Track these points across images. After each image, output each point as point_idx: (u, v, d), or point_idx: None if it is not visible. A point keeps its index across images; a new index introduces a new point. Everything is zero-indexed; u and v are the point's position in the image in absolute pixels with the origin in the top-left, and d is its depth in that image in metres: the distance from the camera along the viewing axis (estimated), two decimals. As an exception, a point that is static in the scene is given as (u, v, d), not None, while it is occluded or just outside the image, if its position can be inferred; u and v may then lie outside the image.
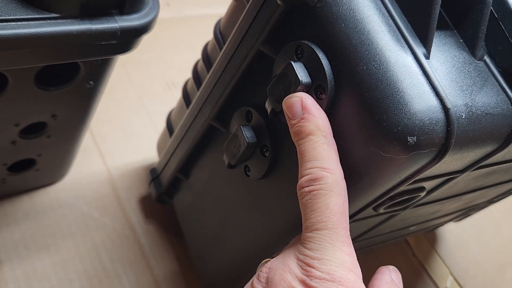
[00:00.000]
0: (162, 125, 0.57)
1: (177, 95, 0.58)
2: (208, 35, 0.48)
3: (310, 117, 0.30)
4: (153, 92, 0.71)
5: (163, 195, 0.54)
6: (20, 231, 0.53)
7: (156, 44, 0.75)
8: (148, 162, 0.62)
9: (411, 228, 0.52)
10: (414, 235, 0.65)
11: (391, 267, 0.35)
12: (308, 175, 0.30)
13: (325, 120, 0.30)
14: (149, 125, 0.67)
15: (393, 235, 0.52)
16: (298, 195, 0.30)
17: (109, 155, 0.62)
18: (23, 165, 0.50)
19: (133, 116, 0.67)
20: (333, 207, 0.29)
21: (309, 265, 0.29)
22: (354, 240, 0.46)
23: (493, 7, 0.33)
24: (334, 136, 0.31)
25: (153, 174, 0.55)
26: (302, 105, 0.30)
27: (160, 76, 0.73)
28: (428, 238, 0.67)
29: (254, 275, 0.33)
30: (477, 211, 0.60)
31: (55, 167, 0.54)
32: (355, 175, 0.31)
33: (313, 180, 0.29)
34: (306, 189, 0.30)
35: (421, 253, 0.65)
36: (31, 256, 0.52)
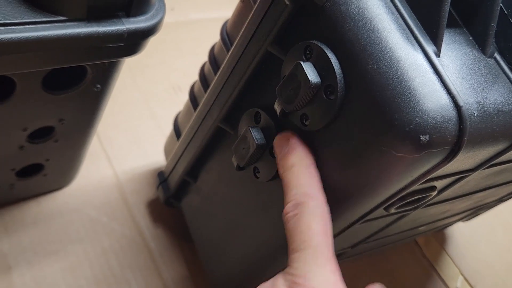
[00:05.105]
0: (168, 129, 0.57)
1: (183, 98, 0.58)
2: (212, 39, 0.47)
3: (294, 151, 0.33)
4: (159, 96, 0.71)
5: (171, 198, 0.54)
6: (29, 236, 0.53)
7: (161, 48, 0.75)
8: (155, 166, 0.62)
9: (420, 228, 0.52)
10: (423, 236, 0.65)
11: (377, 285, 0.36)
12: (292, 201, 0.31)
13: (308, 153, 0.33)
14: (155, 129, 0.67)
15: (403, 235, 0.52)
16: (283, 221, 0.32)
17: (116, 159, 0.62)
18: (31, 170, 0.50)
19: (139, 120, 0.67)
20: (315, 228, 0.30)
21: (295, 283, 0.30)
22: (365, 240, 0.46)
23: (503, 4, 0.33)
24: (345, 136, 0.31)
25: (161, 177, 0.55)
26: (288, 142, 0.33)
27: (165, 80, 0.73)
28: (437, 238, 0.66)
29: (264, 278, 0.33)
30: (486, 210, 0.59)
31: (63, 172, 0.54)
32: (366, 175, 0.31)
33: (297, 205, 0.31)
34: (290, 214, 0.31)
35: (431, 254, 0.65)
36: (40, 262, 0.51)
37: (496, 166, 0.35)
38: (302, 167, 0.32)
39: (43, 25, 0.32)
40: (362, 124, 0.29)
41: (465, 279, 0.64)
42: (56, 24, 0.33)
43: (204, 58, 0.48)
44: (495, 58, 0.33)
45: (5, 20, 0.31)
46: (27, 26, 0.32)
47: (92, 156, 0.60)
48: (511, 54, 0.33)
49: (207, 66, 0.47)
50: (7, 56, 0.32)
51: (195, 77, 0.50)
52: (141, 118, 0.67)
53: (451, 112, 0.28)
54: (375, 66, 0.28)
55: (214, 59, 0.45)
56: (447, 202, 0.42)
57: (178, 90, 0.72)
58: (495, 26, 0.32)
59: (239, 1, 0.41)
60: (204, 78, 0.47)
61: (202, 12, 0.84)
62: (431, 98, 0.28)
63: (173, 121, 0.55)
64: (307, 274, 0.29)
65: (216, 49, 0.46)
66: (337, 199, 0.33)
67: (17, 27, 0.31)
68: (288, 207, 0.32)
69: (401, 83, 0.28)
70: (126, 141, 0.64)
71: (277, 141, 0.34)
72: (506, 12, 0.33)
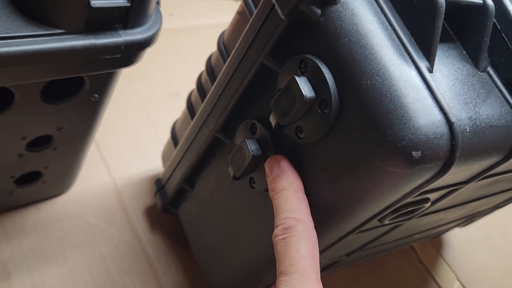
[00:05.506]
0: (166, 135, 0.57)
1: (181, 104, 0.58)
2: (210, 45, 0.48)
3: (284, 175, 0.34)
4: (157, 102, 0.71)
5: (168, 205, 0.54)
6: (28, 242, 0.53)
7: (159, 54, 0.75)
8: (153, 172, 0.63)
9: (416, 236, 0.52)
10: (419, 242, 0.65)
11: None
12: (281, 225, 0.32)
13: (297, 178, 0.34)
14: (154, 135, 0.67)
15: (398, 243, 0.52)
16: (273, 244, 0.33)
17: (114, 166, 0.62)
18: (30, 177, 0.50)
19: (138, 127, 0.67)
20: (303, 252, 0.31)
21: None
22: (360, 249, 0.46)
23: (495, 19, 0.33)
24: (339, 150, 0.31)
25: (158, 184, 0.55)
26: (279, 165, 0.34)
27: (163, 86, 0.73)
28: (434, 244, 0.67)
29: (261, 285, 0.34)
30: (482, 216, 0.60)
31: (62, 179, 0.54)
32: (359, 188, 0.31)
33: (286, 229, 0.32)
34: (280, 237, 0.32)
35: (427, 259, 0.65)
36: (39, 267, 0.52)
37: (489, 178, 0.36)
38: (291, 191, 0.33)
39: (42, 38, 0.33)
40: (356, 139, 0.30)
41: (462, 284, 0.64)
42: (54, 37, 0.33)
43: (203, 63, 0.48)
44: (488, 73, 0.33)
45: (4, 33, 0.31)
46: (25, 39, 0.32)
47: (90, 162, 0.61)
48: (504, 69, 0.33)
49: (204, 75, 0.47)
50: (6, 69, 0.32)
51: (193, 82, 0.50)
52: (139, 124, 0.68)
53: (443, 129, 0.28)
54: (368, 82, 0.29)
55: (211, 69, 0.46)
56: (441, 211, 0.42)
57: (176, 96, 0.72)
58: (488, 41, 0.33)
59: (236, 13, 0.41)
60: (201, 87, 0.48)
61: (201, 18, 0.84)
62: (423, 114, 0.28)
63: (170, 128, 0.55)
64: None
65: (213, 60, 0.46)
66: (331, 210, 0.34)
67: (16, 40, 0.32)
68: (277, 230, 0.32)
69: (394, 99, 0.28)
70: (124, 147, 0.64)
71: (268, 163, 0.35)
72: (499, 27, 0.33)
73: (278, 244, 0.32)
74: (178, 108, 0.57)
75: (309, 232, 0.32)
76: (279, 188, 0.34)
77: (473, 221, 0.61)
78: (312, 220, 0.33)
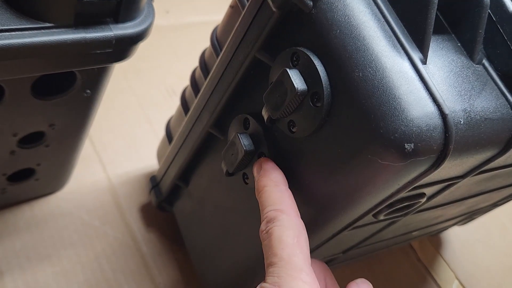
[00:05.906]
0: (162, 132, 0.57)
1: (178, 102, 0.58)
2: (207, 42, 0.47)
3: (265, 173, 0.34)
4: (154, 100, 0.70)
5: (163, 202, 0.54)
6: (21, 241, 0.53)
7: (156, 52, 0.75)
8: (149, 170, 0.62)
9: (414, 233, 0.51)
10: (418, 239, 0.65)
11: (359, 280, 0.36)
12: (265, 219, 0.32)
13: (278, 173, 0.34)
14: (150, 133, 0.66)
15: (396, 240, 0.52)
16: (261, 240, 0.32)
17: (109, 163, 0.62)
18: (23, 174, 0.49)
19: (134, 124, 0.67)
20: (286, 239, 0.31)
21: None
22: (356, 246, 0.46)
23: (491, 10, 0.32)
24: (332, 144, 0.30)
25: (153, 182, 0.55)
26: (261, 167, 0.35)
27: (160, 83, 0.73)
28: (432, 242, 0.66)
29: (256, 283, 0.33)
30: (481, 214, 0.59)
31: (55, 176, 0.54)
32: (352, 182, 0.30)
33: (269, 222, 0.32)
34: (264, 231, 0.32)
35: (426, 258, 0.64)
36: (32, 266, 0.51)
37: (486, 172, 0.35)
38: (271, 186, 0.33)
39: (30, 32, 0.32)
40: (348, 132, 0.29)
41: (461, 283, 0.63)
42: (43, 30, 0.33)
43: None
44: (483, 65, 0.33)
45: (-9, 27, 0.31)
46: (13, 33, 0.32)
47: (86, 160, 0.60)
48: (500, 61, 0.33)
49: (198, 71, 0.47)
50: (-5, 63, 0.32)
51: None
52: (136, 122, 0.67)
53: (437, 120, 0.28)
54: (360, 73, 0.28)
55: (204, 64, 0.45)
56: (439, 208, 0.42)
57: (172, 93, 0.72)
58: (483, 33, 0.32)
59: (229, 7, 0.41)
60: (195, 83, 0.47)
61: (197, 15, 0.83)
62: (416, 106, 0.27)
63: (165, 125, 0.55)
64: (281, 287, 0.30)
65: (206, 55, 0.46)
66: (324, 206, 0.33)
67: (4, 33, 0.31)
68: (262, 225, 0.32)
69: (386, 91, 0.28)
70: (120, 145, 0.64)
71: (254, 167, 0.36)
72: (494, 18, 0.32)
73: (264, 239, 0.32)
74: (175, 106, 0.57)
75: (292, 220, 0.31)
76: (261, 186, 0.34)
77: (473, 219, 0.61)
78: (297, 210, 0.33)
